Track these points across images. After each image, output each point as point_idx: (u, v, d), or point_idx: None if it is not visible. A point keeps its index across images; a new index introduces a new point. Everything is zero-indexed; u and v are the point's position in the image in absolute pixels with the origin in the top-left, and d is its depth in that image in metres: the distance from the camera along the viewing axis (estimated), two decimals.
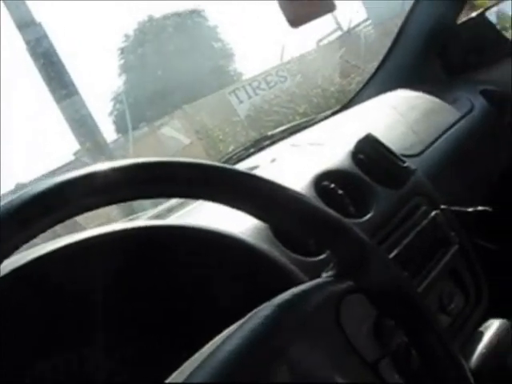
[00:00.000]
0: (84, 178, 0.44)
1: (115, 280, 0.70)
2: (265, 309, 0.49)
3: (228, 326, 0.50)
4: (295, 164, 1.10)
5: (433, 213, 0.99)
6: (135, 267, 0.70)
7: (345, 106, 1.55)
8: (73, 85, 6.28)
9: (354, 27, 9.53)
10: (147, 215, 1.25)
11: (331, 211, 0.56)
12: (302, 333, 0.48)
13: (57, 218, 0.43)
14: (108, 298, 0.71)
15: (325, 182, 0.94)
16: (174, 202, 1.16)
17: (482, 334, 0.89)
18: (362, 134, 1.05)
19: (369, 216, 0.93)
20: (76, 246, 0.67)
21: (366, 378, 0.51)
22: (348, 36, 9.03)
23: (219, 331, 0.50)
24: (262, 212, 0.53)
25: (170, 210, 1.13)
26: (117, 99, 15.00)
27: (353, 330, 0.53)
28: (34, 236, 0.42)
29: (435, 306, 0.97)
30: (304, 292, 0.51)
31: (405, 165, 1.01)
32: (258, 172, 0.90)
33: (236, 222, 0.76)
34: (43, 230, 0.43)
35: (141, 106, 12.62)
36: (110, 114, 15.06)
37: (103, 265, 0.69)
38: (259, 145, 1.45)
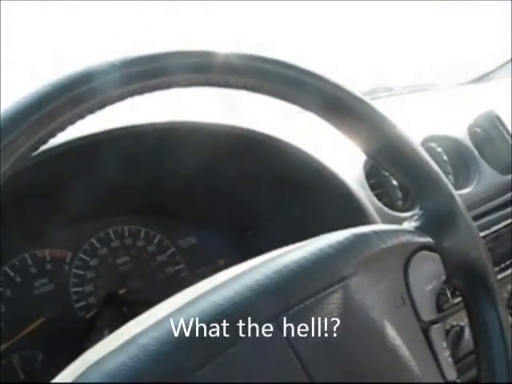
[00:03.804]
0: (116, 66, 0.40)
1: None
2: (340, 234, 0.48)
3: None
4: (407, 119, 1.06)
5: None
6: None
7: (476, 80, 1.47)
8: None
9: None
10: None
11: (433, 163, 0.54)
12: (368, 268, 0.47)
13: (87, 110, 0.40)
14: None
15: (432, 143, 0.91)
16: None
17: None
18: (485, 109, 1.01)
19: (466, 190, 0.89)
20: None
21: (415, 335, 0.50)
22: None
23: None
24: (369, 145, 0.52)
25: None
26: None
27: (417, 285, 0.51)
28: (62, 130, 0.40)
29: None
30: (383, 232, 0.50)
31: None
32: None
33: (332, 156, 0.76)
34: (71, 123, 0.40)
35: None
36: None
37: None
38: (375, 93, 1.41)
